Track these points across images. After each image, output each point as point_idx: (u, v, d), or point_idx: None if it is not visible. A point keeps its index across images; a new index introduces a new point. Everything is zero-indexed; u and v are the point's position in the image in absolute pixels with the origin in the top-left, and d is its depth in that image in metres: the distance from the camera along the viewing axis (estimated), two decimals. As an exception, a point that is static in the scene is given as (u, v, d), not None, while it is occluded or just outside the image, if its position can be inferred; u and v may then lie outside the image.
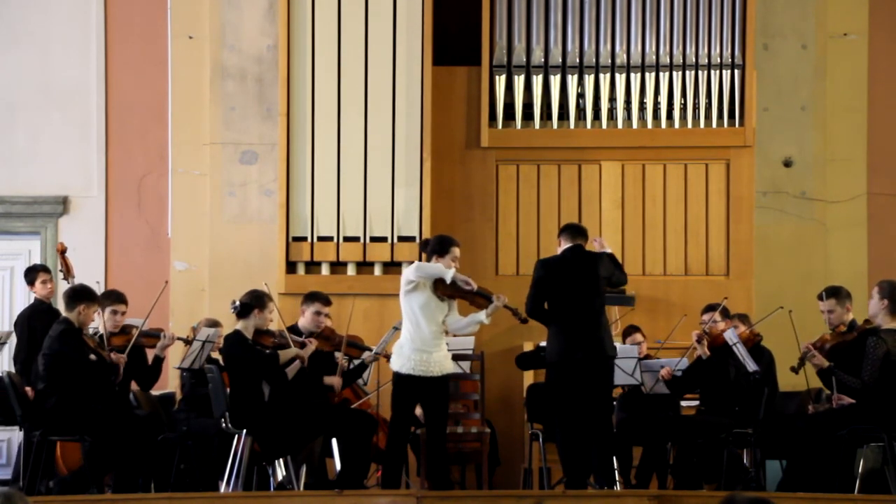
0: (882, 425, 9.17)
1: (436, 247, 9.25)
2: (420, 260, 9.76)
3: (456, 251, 9.23)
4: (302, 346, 9.67)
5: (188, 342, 9.88)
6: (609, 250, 9.64)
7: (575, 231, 9.50)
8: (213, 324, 10.17)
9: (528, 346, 10.53)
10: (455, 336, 9.83)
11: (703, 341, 9.96)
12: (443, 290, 9.09)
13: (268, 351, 9.51)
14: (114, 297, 9.83)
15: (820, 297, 9.55)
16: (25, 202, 12.30)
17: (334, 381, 9.90)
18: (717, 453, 9.76)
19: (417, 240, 11.24)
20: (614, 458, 9.56)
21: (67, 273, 10.69)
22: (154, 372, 9.88)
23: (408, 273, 9.14)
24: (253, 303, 9.52)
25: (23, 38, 12.37)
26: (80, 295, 9.55)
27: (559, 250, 9.49)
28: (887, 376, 9.18)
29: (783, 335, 9.84)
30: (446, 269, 9.05)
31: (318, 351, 9.78)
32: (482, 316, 9.19)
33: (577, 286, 9.29)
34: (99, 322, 9.84)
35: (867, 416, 9.19)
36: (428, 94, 11.46)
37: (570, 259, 9.39)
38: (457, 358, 9.85)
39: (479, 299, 9.21)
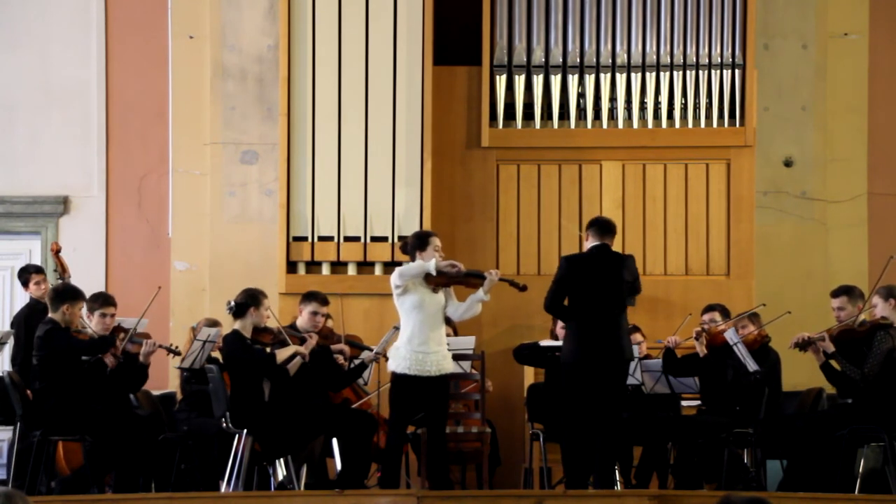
0: (882, 425, 9.18)
1: (415, 243, 9.27)
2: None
3: (436, 242, 9.25)
4: (302, 341, 9.68)
5: (171, 351, 9.81)
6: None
7: (603, 228, 9.41)
8: (213, 323, 10.16)
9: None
10: (461, 323, 9.85)
11: (702, 339, 9.97)
12: (434, 281, 9.11)
13: (267, 349, 9.51)
14: (101, 300, 9.77)
15: (832, 295, 9.58)
16: (25, 202, 12.30)
17: (342, 347, 9.88)
18: (717, 453, 9.75)
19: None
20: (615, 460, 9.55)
21: (63, 273, 10.68)
22: (140, 377, 9.83)
23: (393, 279, 9.14)
24: (248, 301, 9.51)
25: (23, 38, 12.36)
26: (63, 295, 9.54)
27: (585, 245, 9.46)
28: (888, 373, 9.20)
29: (786, 337, 9.85)
30: (427, 263, 9.07)
31: (317, 349, 9.78)
32: (481, 293, 9.21)
33: (599, 286, 9.24)
34: (89, 325, 9.81)
35: (867, 416, 9.21)
36: (428, 94, 11.46)
37: (596, 258, 9.33)
38: (457, 358, 9.84)
39: (472, 280, 9.23)
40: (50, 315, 9.53)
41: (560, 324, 10.37)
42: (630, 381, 9.88)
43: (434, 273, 9.06)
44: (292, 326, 9.99)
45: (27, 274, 10.95)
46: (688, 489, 9.60)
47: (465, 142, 11.79)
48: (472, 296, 9.24)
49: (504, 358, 10.74)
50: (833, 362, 9.39)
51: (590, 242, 9.40)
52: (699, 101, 11.66)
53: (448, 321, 9.47)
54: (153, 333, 10.11)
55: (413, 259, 9.22)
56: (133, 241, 12.30)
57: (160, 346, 9.72)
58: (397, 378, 9.14)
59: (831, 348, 9.32)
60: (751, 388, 9.77)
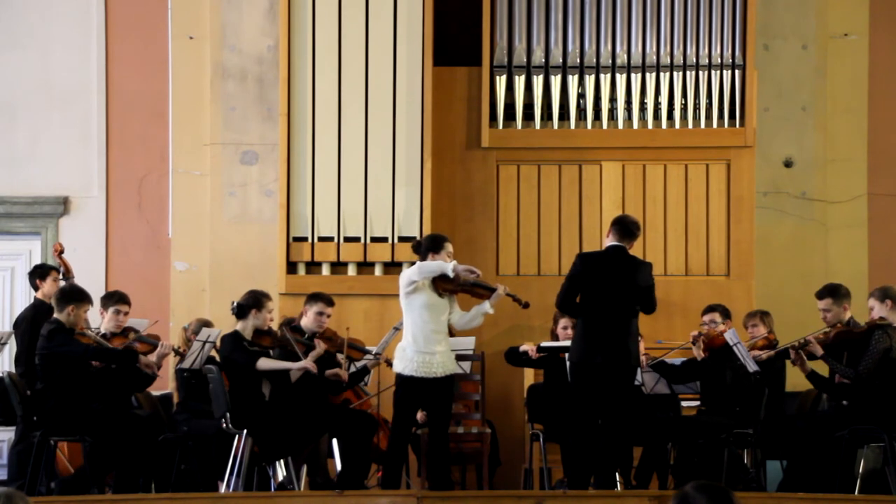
0: (882, 425, 9.19)
1: (429, 245, 9.24)
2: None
3: (449, 247, 9.22)
4: (309, 347, 9.66)
5: (179, 353, 9.85)
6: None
7: (624, 230, 9.30)
8: (205, 324, 10.17)
9: (528, 346, 10.51)
10: (461, 332, 9.84)
11: (699, 342, 9.96)
12: (443, 285, 9.09)
13: (255, 349, 9.49)
14: (117, 298, 9.88)
15: (818, 296, 9.57)
16: (26, 202, 12.30)
17: (341, 373, 9.86)
18: (717, 453, 9.75)
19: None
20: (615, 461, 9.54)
21: (67, 273, 10.68)
22: (146, 377, 9.85)
23: (409, 274, 9.12)
24: (250, 303, 9.52)
25: (23, 38, 12.37)
26: (69, 295, 9.56)
27: (605, 241, 9.44)
28: (884, 372, 9.22)
29: (785, 339, 9.87)
30: (446, 263, 9.05)
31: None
32: (486, 306, 9.19)
33: (611, 287, 9.16)
34: (100, 322, 9.88)
35: (867, 417, 9.21)
36: (428, 95, 11.45)
37: (611, 257, 9.26)
38: (457, 358, 9.84)
39: (479, 290, 9.21)
40: (55, 315, 9.54)
41: (560, 324, 10.37)
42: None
43: (451, 275, 9.02)
44: (290, 323, 9.98)
45: (47, 271, 10.71)
46: (688, 489, 9.58)
47: (465, 142, 11.79)
48: (478, 307, 9.22)
49: (504, 358, 10.73)
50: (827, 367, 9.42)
51: (609, 241, 9.37)
52: (699, 102, 11.66)
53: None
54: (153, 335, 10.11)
55: (425, 260, 9.20)
56: (133, 242, 12.30)
57: (172, 349, 9.80)
58: (403, 380, 9.10)
59: (820, 351, 9.34)
60: (751, 389, 9.77)
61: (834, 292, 9.53)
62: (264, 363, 9.44)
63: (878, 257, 12.13)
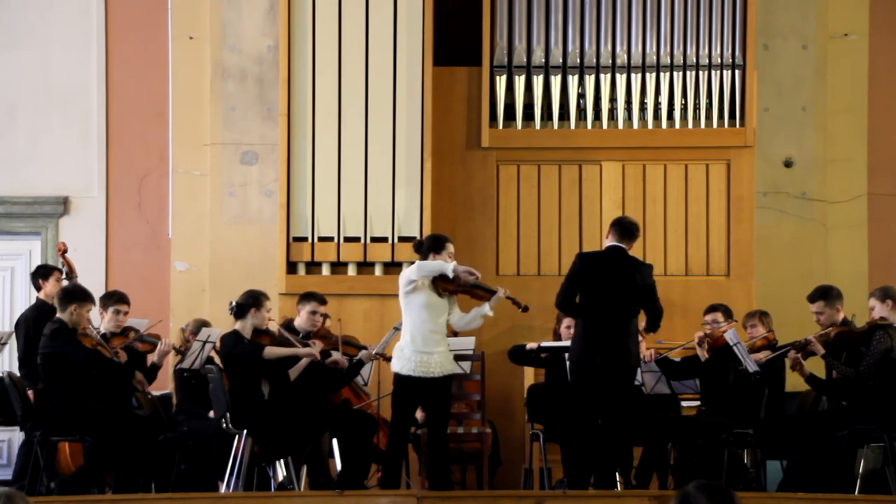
0: (882, 425, 9.19)
1: (431, 245, 9.24)
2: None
3: (451, 247, 9.22)
4: (305, 347, 9.67)
5: (180, 352, 9.88)
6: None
7: (624, 230, 9.29)
8: (203, 324, 10.17)
9: (532, 346, 10.50)
10: (460, 333, 9.84)
11: (704, 344, 9.95)
12: (443, 286, 9.08)
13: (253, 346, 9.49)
14: (116, 298, 9.90)
15: (809, 300, 9.57)
16: (26, 202, 12.29)
17: (339, 358, 9.84)
18: (717, 453, 9.75)
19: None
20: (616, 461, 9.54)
21: (70, 273, 10.68)
22: (149, 377, 9.88)
23: (408, 273, 9.12)
24: (248, 303, 9.52)
25: (23, 38, 12.37)
26: (72, 295, 9.56)
27: (605, 242, 9.43)
28: (884, 372, 9.22)
29: (786, 338, 9.87)
30: (446, 264, 9.05)
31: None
32: (486, 308, 9.17)
33: (610, 287, 9.15)
34: (100, 322, 9.89)
35: (867, 417, 9.22)
36: (428, 95, 11.45)
37: (610, 257, 9.25)
38: (457, 358, 9.84)
39: (479, 292, 9.20)
40: (58, 315, 9.54)
41: (564, 324, 10.36)
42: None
43: (451, 275, 9.02)
44: (289, 324, 9.98)
45: (50, 271, 10.71)
46: (688, 490, 9.57)
47: (465, 142, 11.79)
48: (477, 309, 9.21)
49: (504, 358, 10.74)
50: (819, 368, 9.43)
51: (608, 241, 9.36)
52: (699, 102, 11.66)
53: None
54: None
55: (426, 259, 9.19)
56: (133, 242, 12.30)
57: (173, 348, 9.82)
58: (401, 379, 9.10)
59: (821, 350, 9.36)
60: (751, 389, 9.77)
61: (825, 294, 9.54)
62: (271, 351, 9.43)
63: (878, 257, 12.13)
